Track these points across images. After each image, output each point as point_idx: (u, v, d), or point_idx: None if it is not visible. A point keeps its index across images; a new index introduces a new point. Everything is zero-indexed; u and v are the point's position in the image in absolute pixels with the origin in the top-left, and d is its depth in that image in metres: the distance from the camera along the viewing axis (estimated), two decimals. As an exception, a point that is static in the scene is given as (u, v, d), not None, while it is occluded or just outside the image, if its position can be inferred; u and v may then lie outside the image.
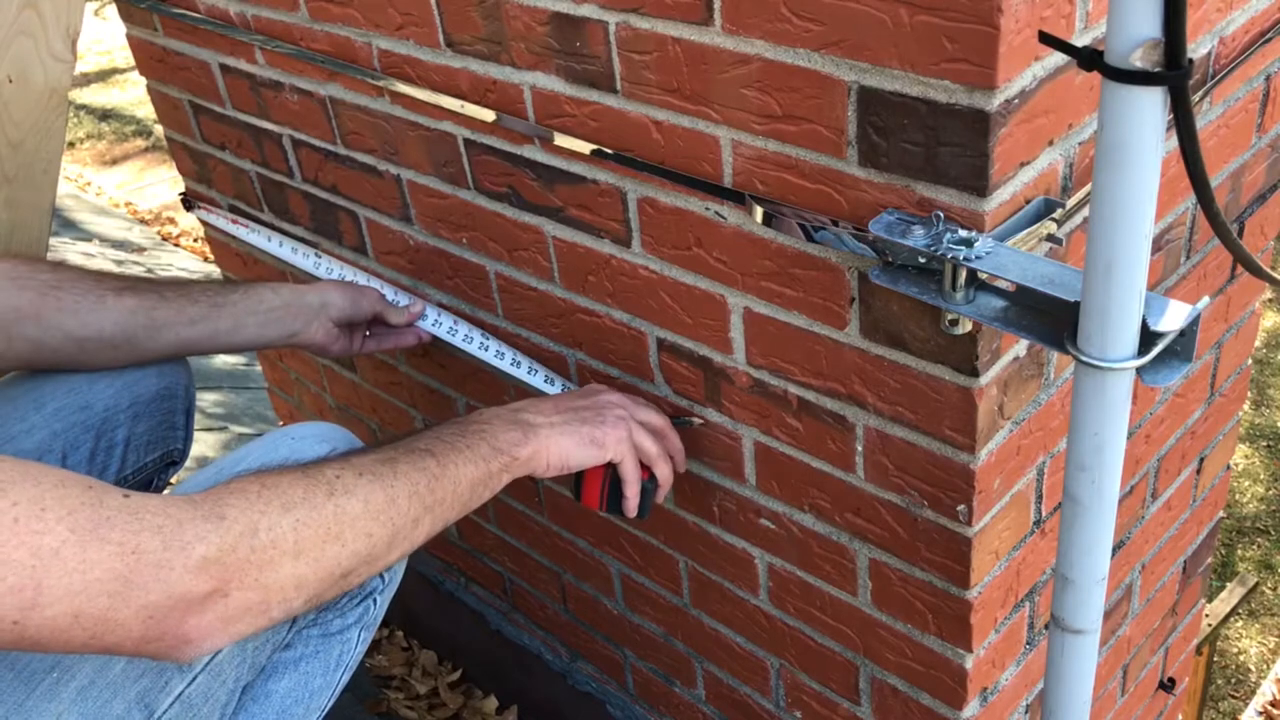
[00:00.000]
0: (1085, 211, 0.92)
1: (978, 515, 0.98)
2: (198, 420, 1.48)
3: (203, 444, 2.50)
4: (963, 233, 0.82)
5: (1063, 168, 0.90)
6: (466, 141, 1.21)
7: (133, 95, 7.17)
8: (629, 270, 1.13)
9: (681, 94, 0.96)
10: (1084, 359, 0.75)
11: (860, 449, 1.03)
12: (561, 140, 1.09)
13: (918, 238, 0.83)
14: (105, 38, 7.87)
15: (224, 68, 1.49)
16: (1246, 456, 3.91)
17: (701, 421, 1.16)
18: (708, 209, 1.01)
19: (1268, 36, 1.09)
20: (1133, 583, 1.38)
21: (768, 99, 0.90)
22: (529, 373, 1.29)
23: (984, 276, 0.84)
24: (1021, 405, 0.98)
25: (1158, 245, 1.08)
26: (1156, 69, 0.62)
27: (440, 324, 1.35)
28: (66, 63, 1.49)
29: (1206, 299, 0.79)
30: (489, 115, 1.14)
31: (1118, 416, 0.76)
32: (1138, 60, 0.62)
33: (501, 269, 1.29)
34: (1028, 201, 0.86)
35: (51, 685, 0.95)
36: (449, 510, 0.98)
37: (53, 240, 3.00)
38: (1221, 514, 1.59)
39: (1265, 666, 3.17)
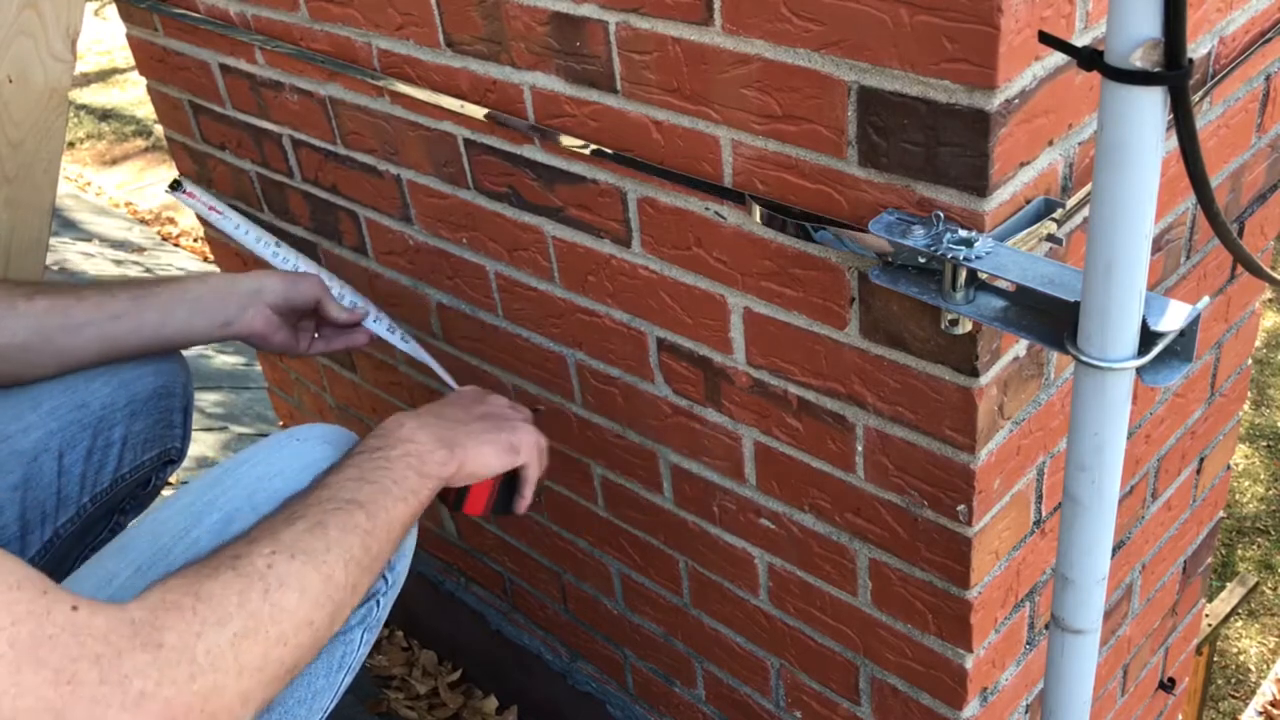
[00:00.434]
0: (1085, 211, 0.92)
1: (978, 515, 0.98)
2: (197, 420, 1.48)
3: (203, 444, 2.50)
4: (963, 233, 0.82)
5: (1063, 168, 0.90)
6: (466, 141, 1.21)
7: (133, 95, 7.17)
8: (629, 270, 1.13)
9: (681, 94, 0.96)
10: (1084, 359, 0.75)
11: (860, 449, 1.03)
12: (562, 140, 1.09)
13: (918, 238, 0.83)
14: (105, 38, 7.87)
15: (224, 68, 1.49)
16: (1246, 456, 3.91)
17: (543, 409, 1.21)
18: (708, 209, 1.01)
19: (1268, 36, 1.09)
20: (1133, 583, 1.38)
21: (768, 99, 0.90)
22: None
23: (984, 276, 0.84)
24: (1021, 405, 0.98)
25: (1158, 245, 1.08)
26: (1156, 69, 0.62)
27: (380, 321, 1.38)
28: (66, 63, 1.49)
29: (1206, 299, 0.79)
30: (488, 115, 1.14)
31: (1118, 416, 0.76)
32: (1138, 60, 0.62)
33: (501, 269, 1.29)
34: (1028, 201, 0.86)
35: None
36: (384, 559, 0.96)
37: (53, 240, 3.00)
38: (1221, 514, 1.59)
39: (1265, 666, 3.17)
